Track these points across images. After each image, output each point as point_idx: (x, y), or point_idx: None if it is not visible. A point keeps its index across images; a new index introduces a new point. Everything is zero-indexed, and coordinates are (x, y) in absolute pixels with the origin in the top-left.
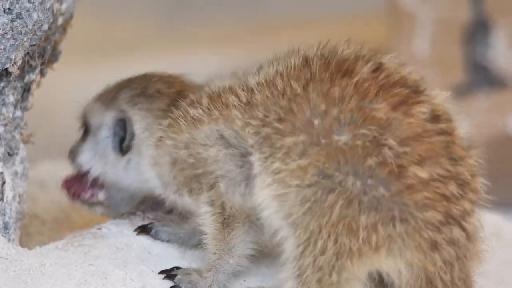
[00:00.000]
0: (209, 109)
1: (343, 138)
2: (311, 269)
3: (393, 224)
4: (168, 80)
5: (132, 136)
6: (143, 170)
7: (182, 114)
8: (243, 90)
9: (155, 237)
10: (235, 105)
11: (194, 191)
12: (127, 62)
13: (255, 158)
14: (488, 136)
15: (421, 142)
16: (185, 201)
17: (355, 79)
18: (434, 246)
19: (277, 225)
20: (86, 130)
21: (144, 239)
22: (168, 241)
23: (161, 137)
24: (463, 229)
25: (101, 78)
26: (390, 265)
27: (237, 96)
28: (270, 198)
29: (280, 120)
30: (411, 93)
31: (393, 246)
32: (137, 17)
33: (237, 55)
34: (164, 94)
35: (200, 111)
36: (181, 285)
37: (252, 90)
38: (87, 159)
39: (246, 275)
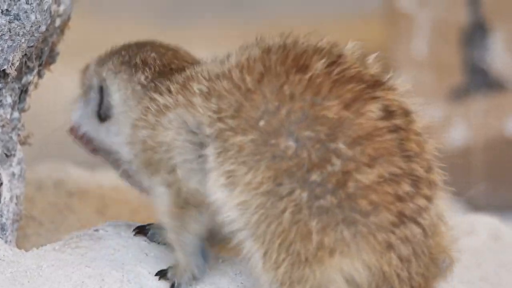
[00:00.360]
0: (176, 94)
1: (290, 141)
2: (275, 283)
3: (345, 228)
4: (159, 51)
5: (109, 105)
6: (120, 142)
7: (152, 97)
8: (206, 79)
9: (151, 239)
10: (197, 93)
11: (153, 173)
12: None
13: (210, 152)
14: (486, 138)
15: (372, 141)
16: (145, 181)
17: (308, 75)
18: (390, 246)
19: (234, 228)
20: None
21: (141, 241)
22: (164, 244)
23: (137, 118)
24: (419, 225)
25: None
26: (348, 267)
27: (199, 83)
28: (224, 199)
29: (232, 116)
30: (365, 89)
31: (347, 249)
32: (134, 19)
33: None
34: (150, 66)
35: (167, 96)
36: (174, 280)
37: (212, 79)
38: (77, 116)
39: (244, 278)
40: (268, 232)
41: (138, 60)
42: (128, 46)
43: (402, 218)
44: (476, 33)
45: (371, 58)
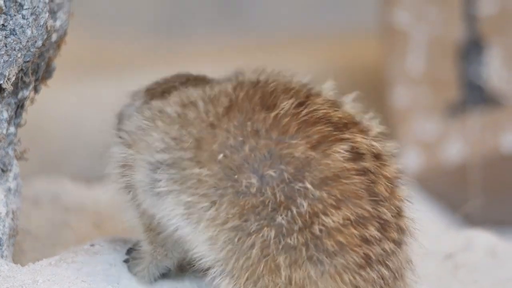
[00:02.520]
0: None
1: (253, 179)
2: None
3: (312, 267)
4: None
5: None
6: None
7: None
8: (179, 104)
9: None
10: (165, 116)
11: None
12: (121, 79)
13: (162, 177)
14: (482, 154)
15: (339, 183)
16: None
17: (274, 113)
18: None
19: (205, 264)
20: None
21: None
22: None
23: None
24: (388, 268)
25: (95, 95)
26: None
27: (171, 107)
28: (189, 234)
29: (193, 147)
30: (333, 131)
31: (316, 286)
32: (131, 34)
33: (230, 70)
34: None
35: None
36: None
37: (184, 105)
38: None
39: None
40: (237, 267)
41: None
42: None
43: (368, 261)
44: (472, 49)
45: (348, 99)
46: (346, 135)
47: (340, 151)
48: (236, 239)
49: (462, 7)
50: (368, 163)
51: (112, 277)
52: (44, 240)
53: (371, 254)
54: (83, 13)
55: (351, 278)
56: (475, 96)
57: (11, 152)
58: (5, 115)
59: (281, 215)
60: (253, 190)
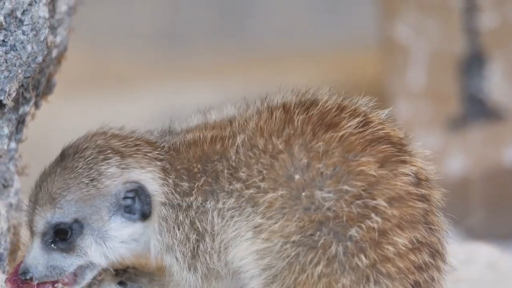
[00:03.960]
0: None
1: (325, 193)
2: None
3: (368, 286)
4: None
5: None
6: None
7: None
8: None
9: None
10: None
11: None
12: (121, 93)
13: (236, 224)
14: (484, 168)
15: (404, 205)
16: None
17: (341, 132)
18: None
19: (248, 275)
20: None
21: None
22: None
23: None
24: None
25: (96, 110)
26: None
27: (227, 160)
28: (248, 253)
29: (262, 179)
30: (395, 151)
31: None
32: (132, 49)
33: (233, 87)
34: None
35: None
36: None
37: (237, 150)
38: None
39: None
40: (290, 278)
41: None
42: None
43: (416, 287)
44: (473, 62)
45: (383, 114)
46: (407, 157)
47: (407, 173)
48: (299, 253)
49: (462, 21)
50: (425, 190)
51: None
52: None
53: (420, 281)
54: (84, 28)
55: None
56: (476, 109)
57: (12, 168)
58: (6, 130)
59: (353, 230)
60: (327, 204)
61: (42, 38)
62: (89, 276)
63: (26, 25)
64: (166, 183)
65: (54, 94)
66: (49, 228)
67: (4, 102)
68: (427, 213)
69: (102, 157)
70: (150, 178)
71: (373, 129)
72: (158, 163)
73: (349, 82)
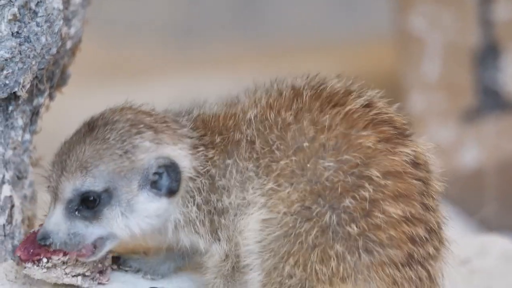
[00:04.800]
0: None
1: (326, 162)
2: None
3: (360, 255)
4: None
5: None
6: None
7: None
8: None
9: (125, 265)
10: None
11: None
12: (136, 85)
13: (252, 186)
14: (498, 160)
15: (400, 179)
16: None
17: (346, 109)
18: (395, 283)
19: (249, 250)
20: None
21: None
22: (138, 270)
23: None
24: (426, 270)
25: (110, 102)
26: None
27: (241, 132)
28: (255, 221)
29: (276, 148)
30: (397, 134)
31: (358, 277)
32: (147, 41)
33: (248, 78)
34: None
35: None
36: None
37: (250, 122)
38: None
39: None
40: (284, 248)
41: None
42: None
43: (410, 260)
44: (488, 54)
45: (394, 107)
46: (408, 142)
47: (406, 152)
48: (296, 223)
49: (477, 13)
50: (423, 174)
51: (127, 284)
52: None
53: (414, 254)
54: (99, 20)
55: (391, 272)
56: (490, 101)
57: (26, 159)
58: (20, 122)
59: (347, 200)
60: (326, 174)
61: (56, 30)
62: (107, 248)
63: (40, 16)
64: (195, 158)
65: (69, 85)
66: (77, 195)
67: (19, 93)
68: (423, 194)
69: (135, 130)
70: (182, 155)
71: (378, 111)
72: (188, 140)
73: (363, 74)
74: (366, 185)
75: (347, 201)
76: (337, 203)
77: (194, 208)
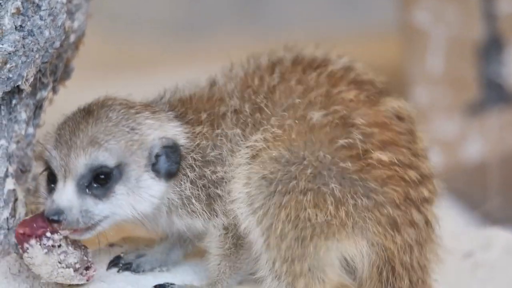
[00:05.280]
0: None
1: (316, 114)
2: (279, 260)
3: (356, 197)
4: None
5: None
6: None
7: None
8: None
9: (138, 270)
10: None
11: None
12: (139, 79)
13: (240, 148)
14: (502, 154)
15: (387, 129)
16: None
17: (328, 70)
18: (394, 224)
19: (243, 213)
20: None
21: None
22: (152, 269)
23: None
24: (422, 213)
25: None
26: (352, 246)
27: (225, 105)
28: (243, 179)
29: (265, 106)
30: (377, 92)
31: (356, 222)
32: (151, 35)
33: None
34: None
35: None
36: None
37: (232, 93)
38: None
39: None
40: (276, 202)
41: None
42: None
43: (406, 199)
44: (491, 48)
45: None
46: (389, 99)
47: (388, 107)
48: (285, 176)
49: (481, 6)
50: (407, 126)
51: (131, 277)
52: None
53: (410, 194)
54: (102, 14)
55: (390, 210)
56: (494, 95)
57: (30, 153)
58: (24, 115)
59: (341, 140)
60: (315, 121)
61: (59, 23)
62: (104, 227)
63: (43, 10)
64: (185, 137)
65: (72, 79)
66: (90, 170)
67: (22, 87)
68: (410, 142)
69: (133, 111)
70: (179, 135)
71: (358, 73)
72: (175, 119)
73: (368, 67)
74: (355, 131)
75: (340, 143)
76: (330, 147)
77: (188, 185)
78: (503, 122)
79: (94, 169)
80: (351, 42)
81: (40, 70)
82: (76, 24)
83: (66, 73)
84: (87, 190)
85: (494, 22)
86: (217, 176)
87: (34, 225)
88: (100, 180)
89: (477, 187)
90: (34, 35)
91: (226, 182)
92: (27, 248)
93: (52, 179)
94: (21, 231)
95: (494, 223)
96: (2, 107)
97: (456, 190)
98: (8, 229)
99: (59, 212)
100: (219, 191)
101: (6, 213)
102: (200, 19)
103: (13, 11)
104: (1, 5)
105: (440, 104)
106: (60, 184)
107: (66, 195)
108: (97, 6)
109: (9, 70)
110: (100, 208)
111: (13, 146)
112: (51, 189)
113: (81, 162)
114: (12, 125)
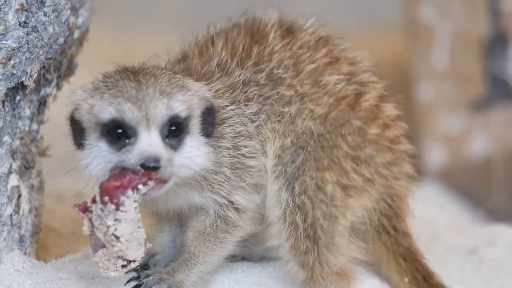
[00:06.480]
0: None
1: (332, 77)
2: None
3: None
4: None
5: None
6: None
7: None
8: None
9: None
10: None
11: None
12: None
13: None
14: (507, 150)
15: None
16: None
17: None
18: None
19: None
20: None
21: None
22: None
23: None
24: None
25: None
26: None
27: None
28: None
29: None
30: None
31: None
32: (155, 32)
33: None
34: None
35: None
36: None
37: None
38: None
39: None
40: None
41: None
42: None
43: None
44: (496, 44)
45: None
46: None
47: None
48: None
49: (486, 2)
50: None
51: (135, 273)
52: (68, 236)
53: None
54: (106, 10)
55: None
56: (499, 91)
57: (33, 149)
58: (28, 112)
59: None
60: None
61: (63, 20)
62: (171, 184)
63: (47, 6)
64: (219, 97)
65: (76, 75)
66: (168, 120)
67: (26, 83)
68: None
69: (170, 72)
70: (212, 96)
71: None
72: (206, 82)
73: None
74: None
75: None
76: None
77: (218, 150)
78: (508, 118)
79: (171, 118)
80: (356, 37)
81: (44, 66)
82: (80, 20)
83: (70, 69)
84: (166, 140)
85: (500, 18)
86: (243, 146)
87: (128, 177)
88: (173, 132)
89: (481, 184)
90: (38, 31)
91: (252, 156)
92: (124, 201)
93: (119, 135)
94: (117, 183)
95: (498, 220)
96: (6, 103)
97: (461, 186)
98: (12, 225)
99: (157, 158)
100: (246, 162)
101: (9, 210)
102: (207, 16)
103: (17, 7)
104: (5, 1)
105: (445, 100)
106: (144, 134)
107: (157, 142)
108: (101, 2)
109: (13, 66)
110: (176, 159)
111: (17, 143)
112: (122, 145)
113: (161, 111)
114: (16, 121)
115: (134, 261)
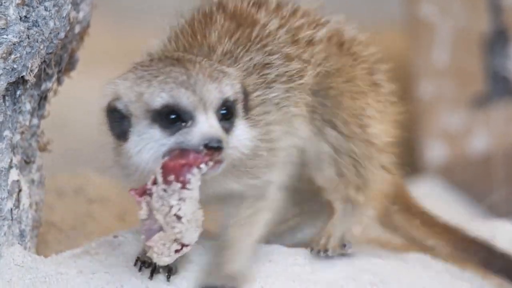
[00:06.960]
0: None
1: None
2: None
3: None
4: None
5: None
6: None
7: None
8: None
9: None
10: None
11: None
12: None
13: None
14: (507, 147)
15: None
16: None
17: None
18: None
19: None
20: None
21: None
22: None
23: None
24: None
25: None
26: None
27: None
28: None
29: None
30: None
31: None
32: (155, 25)
33: None
34: None
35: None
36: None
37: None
38: None
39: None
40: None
41: None
42: None
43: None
44: (497, 41)
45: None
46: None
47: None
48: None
49: None
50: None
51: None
52: (68, 231)
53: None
54: (107, 4)
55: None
56: (500, 88)
57: (34, 144)
58: (28, 106)
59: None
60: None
61: (64, 14)
62: (224, 166)
63: (48, 1)
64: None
65: (77, 70)
66: (222, 103)
67: (27, 78)
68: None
69: (206, 60)
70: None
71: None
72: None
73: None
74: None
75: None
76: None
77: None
78: (508, 115)
79: (224, 102)
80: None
81: (44, 61)
82: (81, 15)
83: (71, 64)
84: (221, 123)
85: (501, 15)
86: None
87: (192, 156)
88: (225, 115)
89: (482, 180)
90: (39, 25)
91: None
92: (190, 179)
93: (172, 120)
94: (183, 161)
95: (499, 216)
96: (6, 98)
97: (461, 182)
98: (12, 220)
99: (219, 139)
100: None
101: (10, 204)
102: None
103: (18, 1)
104: None
105: (445, 97)
106: (202, 117)
107: (216, 125)
108: None
109: (14, 61)
110: (230, 141)
111: (17, 137)
112: (177, 128)
113: (215, 95)
114: (17, 116)
115: (187, 245)
